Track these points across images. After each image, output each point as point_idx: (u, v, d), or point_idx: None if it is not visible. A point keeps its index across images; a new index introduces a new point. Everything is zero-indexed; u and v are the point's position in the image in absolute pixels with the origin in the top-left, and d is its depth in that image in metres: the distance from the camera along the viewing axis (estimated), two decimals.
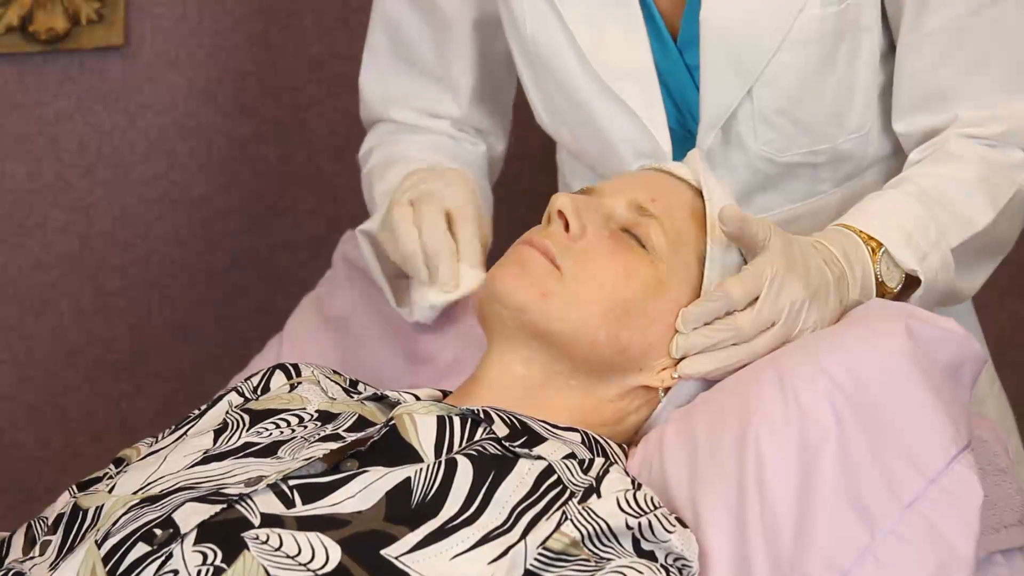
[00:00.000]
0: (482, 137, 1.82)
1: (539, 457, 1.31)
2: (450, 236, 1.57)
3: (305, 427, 1.37)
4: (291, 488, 1.25)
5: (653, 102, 1.61)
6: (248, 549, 1.20)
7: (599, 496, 1.27)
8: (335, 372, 1.49)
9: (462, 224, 1.59)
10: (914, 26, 1.57)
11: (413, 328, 1.78)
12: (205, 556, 1.19)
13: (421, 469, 1.27)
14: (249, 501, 1.24)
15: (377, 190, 1.73)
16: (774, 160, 1.64)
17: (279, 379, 1.48)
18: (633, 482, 1.31)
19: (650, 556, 1.26)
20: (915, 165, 1.60)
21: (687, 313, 1.40)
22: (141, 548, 1.21)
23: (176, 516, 1.22)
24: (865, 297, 1.46)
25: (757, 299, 1.38)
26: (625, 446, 1.44)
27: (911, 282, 1.51)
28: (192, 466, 1.32)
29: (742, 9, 1.56)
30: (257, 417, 1.40)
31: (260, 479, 1.26)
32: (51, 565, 1.26)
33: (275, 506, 1.24)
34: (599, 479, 1.29)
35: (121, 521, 1.24)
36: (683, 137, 1.65)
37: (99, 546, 1.22)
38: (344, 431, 1.34)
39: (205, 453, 1.34)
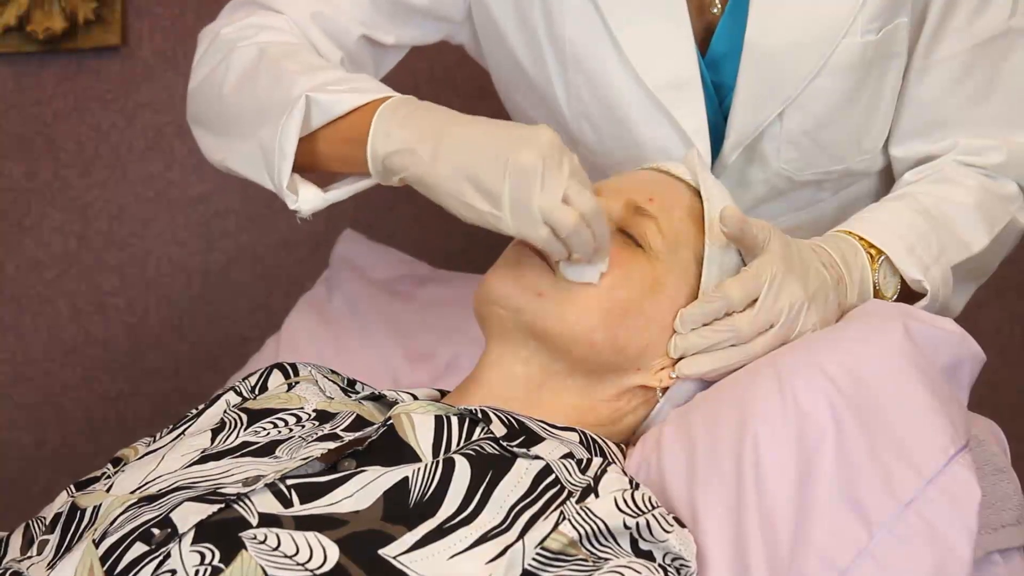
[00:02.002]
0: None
1: (537, 457, 1.31)
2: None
3: (303, 426, 1.37)
4: (289, 488, 1.25)
5: (698, 114, 1.60)
6: (246, 549, 1.20)
7: (597, 496, 1.27)
8: (333, 372, 1.49)
9: None
10: (925, 53, 1.59)
11: (412, 327, 1.78)
12: (203, 556, 1.19)
13: (419, 469, 1.27)
14: (247, 501, 1.24)
15: (290, 65, 1.52)
16: (792, 178, 1.64)
17: (277, 378, 1.48)
18: (631, 482, 1.31)
19: (648, 556, 1.26)
20: (915, 184, 1.61)
21: (686, 314, 1.40)
22: (139, 548, 1.21)
23: (174, 516, 1.22)
24: (863, 301, 1.47)
25: (756, 301, 1.39)
26: (623, 446, 1.44)
27: (907, 295, 1.52)
28: (190, 465, 1.32)
29: (786, 34, 1.56)
30: (255, 416, 1.40)
31: (258, 479, 1.26)
32: (49, 564, 1.26)
33: (273, 506, 1.24)
34: (597, 479, 1.29)
35: (119, 520, 1.24)
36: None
37: (97, 545, 1.22)
38: (342, 431, 1.34)
39: (203, 452, 1.34)
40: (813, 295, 1.41)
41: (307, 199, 1.49)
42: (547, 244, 1.34)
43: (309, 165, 1.49)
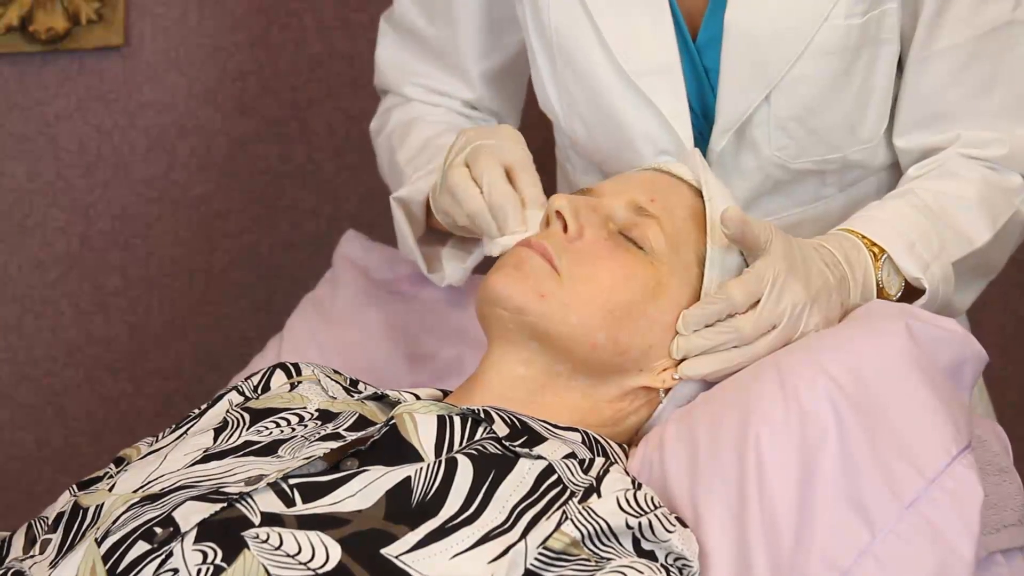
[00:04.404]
0: (494, 116, 1.82)
1: (539, 457, 1.31)
2: (511, 187, 1.51)
3: (305, 426, 1.37)
4: (291, 487, 1.25)
5: (678, 99, 1.60)
6: (248, 548, 1.20)
7: (599, 496, 1.27)
8: (335, 371, 1.49)
9: (521, 174, 1.51)
10: (925, 43, 1.58)
11: (414, 328, 1.78)
12: (205, 555, 1.19)
13: (421, 468, 1.27)
14: (249, 500, 1.24)
15: (399, 156, 1.74)
16: (786, 166, 1.64)
17: (279, 378, 1.48)
18: (633, 482, 1.31)
19: (650, 556, 1.26)
20: (917, 180, 1.60)
21: (688, 315, 1.40)
22: (141, 546, 1.21)
23: (176, 515, 1.22)
24: (866, 301, 1.46)
25: (758, 302, 1.38)
26: (625, 446, 1.44)
27: (910, 292, 1.51)
28: (192, 465, 1.32)
29: (767, 15, 1.56)
30: (257, 416, 1.40)
31: (260, 478, 1.26)
32: (51, 563, 1.26)
33: (275, 505, 1.24)
34: (599, 479, 1.29)
35: (121, 519, 1.24)
36: (694, 137, 1.65)
37: (99, 544, 1.22)
38: (344, 430, 1.34)
39: (205, 452, 1.35)
40: (815, 296, 1.41)
41: (452, 273, 1.69)
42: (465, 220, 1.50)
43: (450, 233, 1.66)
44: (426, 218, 1.67)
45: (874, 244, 1.50)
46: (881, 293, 1.49)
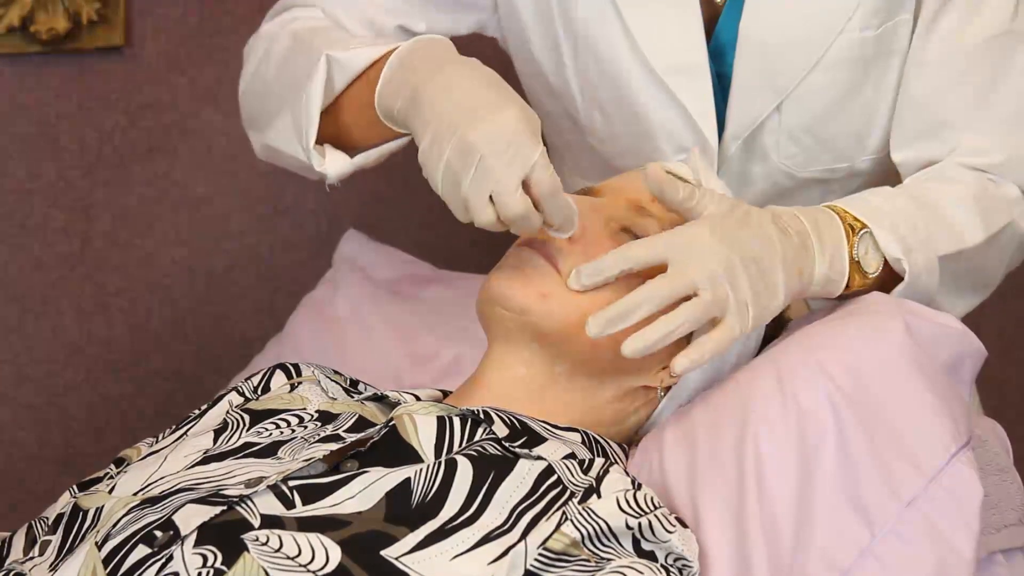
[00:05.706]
0: None
1: (539, 457, 1.31)
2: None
3: (305, 427, 1.37)
4: (291, 489, 1.25)
5: (704, 98, 1.60)
6: (248, 551, 1.20)
7: (599, 496, 1.27)
8: (335, 372, 1.49)
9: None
10: (923, 50, 1.57)
11: (414, 328, 1.78)
12: (205, 558, 1.19)
13: (421, 469, 1.27)
14: (249, 502, 1.24)
15: (318, 38, 1.56)
16: (793, 175, 1.64)
17: (279, 379, 1.48)
18: (633, 482, 1.31)
19: (650, 556, 1.26)
20: (911, 178, 1.60)
21: (582, 269, 1.35)
22: (141, 550, 1.21)
23: (176, 518, 1.23)
24: (835, 274, 1.41)
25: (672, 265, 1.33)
26: (625, 446, 1.44)
27: (892, 278, 1.48)
28: (192, 466, 1.32)
29: (782, 26, 1.55)
30: (257, 417, 1.40)
31: (260, 480, 1.26)
32: (51, 566, 1.26)
33: (275, 507, 1.24)
34: (599, 479, 1.29)
35: (121, 523, 1.24)
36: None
37: (99, 548, 1.22)
38: (344, 431, 1.35)
39: (205, 453, 1.35)
40: (752, 260, 1.34)
41: (334, 162, 1.51)
42: (487, 224, 1.34)
43: (347, 137, 1.51)
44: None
45: (856, 220, 1.44)
46: (856, 268, 1.44)
